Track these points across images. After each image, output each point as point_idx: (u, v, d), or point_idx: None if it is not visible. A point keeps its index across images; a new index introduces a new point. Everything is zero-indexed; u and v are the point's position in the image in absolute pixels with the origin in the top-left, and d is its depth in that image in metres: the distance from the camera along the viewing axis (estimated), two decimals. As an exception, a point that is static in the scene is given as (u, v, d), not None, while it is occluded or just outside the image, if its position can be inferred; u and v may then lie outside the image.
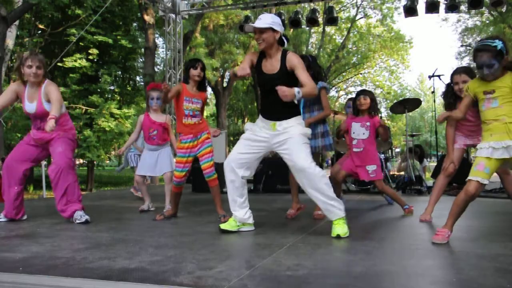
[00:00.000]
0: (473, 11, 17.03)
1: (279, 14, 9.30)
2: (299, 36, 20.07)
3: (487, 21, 19.10)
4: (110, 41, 12.85)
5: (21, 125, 12.15)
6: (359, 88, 27.82)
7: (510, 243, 2.63)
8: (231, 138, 24.94)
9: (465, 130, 3.46)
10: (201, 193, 6.30)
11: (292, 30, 16.94)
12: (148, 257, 2.28)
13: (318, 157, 4.05)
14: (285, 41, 3.01)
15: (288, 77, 2.95)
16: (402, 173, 7.25)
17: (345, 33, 23.06)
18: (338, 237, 2.81)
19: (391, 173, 7.77)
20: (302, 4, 10.11)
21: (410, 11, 8.40)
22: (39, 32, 14.16)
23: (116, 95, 15.30)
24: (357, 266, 2.08)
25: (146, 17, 11.65)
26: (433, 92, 7.96)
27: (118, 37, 13.31)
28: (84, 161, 15.70)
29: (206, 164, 3.69)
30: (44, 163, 8.99)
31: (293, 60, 2.95)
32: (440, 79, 7.17)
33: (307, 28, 17.33)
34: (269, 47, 2.97)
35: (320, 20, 9.68)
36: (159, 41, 17.58)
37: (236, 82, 19.85)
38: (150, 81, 11.43)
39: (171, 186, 3.98)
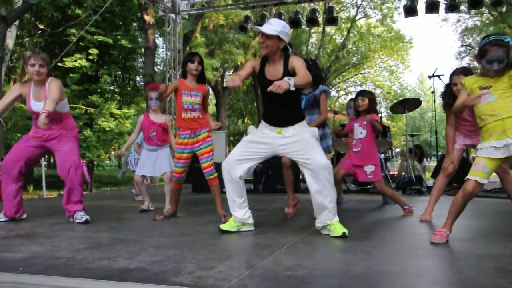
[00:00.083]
0: (473, 11, 17.03)
1: (279, 14, 9.31)
2: (299, 36, 20.07)
3: (487, 21, 19.10)
4: (110, 41, 12.85)
5: (21, 125, 12.14)
6: (359, 88, 27.85)
7: (510, 243, 2.63)
8: (231, 138, 24.97)
9: (464, 130, 3.46)
10: (201, 193, 6.30)
11: (292, 30, 16.92)
12: (148, 257, 2.28)
13: None
14: (290, 49, 3.00)
15: None
16: (403, 173, 7.25)
17: (345, 33, 23.07)
18: (344, 235, 2.80)
19: (391, 173, 7.78)
20: (302, 4, 10.12)
21: (410, 11, 8.40)
22: (39, 32, 14.16)
23: (116, 95, 15.30)
24: (357, 266, 2.08)
25: (146, 17, 11.65)
26: (433, 92, 7.97)
27: (118, 37, 13.31)
28: (84, 161, 15.68)
29: (206, 164, 3.69)
30: (44, 163, 8.99)
31: (294, 61, 2.93)
32: (440, 79, 7.18)
33: (307, 28, 17.33)
34: (272, 53, 2.95)
35: (320, 20, 9.69)
36: (159, 41, 17.60)
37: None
38: (150, 81, 11.44)
39: (171, 186, 3.98)
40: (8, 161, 3.60)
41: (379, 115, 4.62)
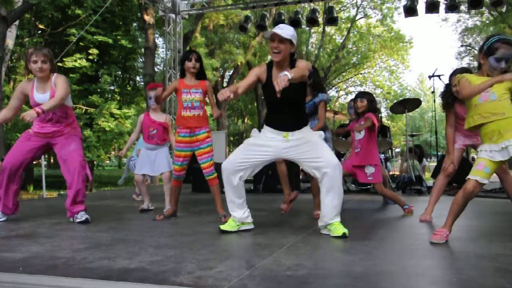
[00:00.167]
0: (473, 11, 17.02)
1: (279, 14, 9.32)
2: (299, 36, 20.06)
3: (487, 21, 19.10)
4: (110, 41, 12.84)
5: (21, 125, 12.11)
6: (359, 88, 27.89)
7: (510, 243, 2.63)
8: (231, 138, 24.97)
9: (464, 130, 3.46)
10: (201, 193, 6.30)
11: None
12: (148, 257, 2.28)
13: None
14: (295, 54, 3.00)
15: (300, 87, 2.90)
16: (404, 174, 7.25)
17: (345, 33, 23.07)
18: (344, 235, 2.80)
19: (391, 173, 7.78)
20: (302, 4, 10.11)
21: (410, 11, 8.40)
22: (39, 32, 14.15)
23: (116, 95, 15.29)
24: (357, 266, 2.08)
25: (146, 17, 11.65)
26: (433, 92, 7.97)
27: (118, 37, 13.30)
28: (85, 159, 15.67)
29: (205, 164, 3.69)
30: (44, 163, 8.98)
31: (299, 64, 2.91)
32: (440, 79, 7.19)
33: (307, 28, 17.33)
34: (284, 59, 2.91)
35: (320, 20, 9.69)
36: (159, 41, 17.60)
37: (235, 82, 19.84)
38: (150, 81, 11.43)
39: (170, 185, 3.98)
40: (14, 162, 3.58)
41: (380, 114, 4.63)
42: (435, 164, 8.26)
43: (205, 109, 3.77)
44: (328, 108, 4.68)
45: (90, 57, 12.86)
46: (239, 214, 3.09)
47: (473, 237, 2.94)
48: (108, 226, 3.38)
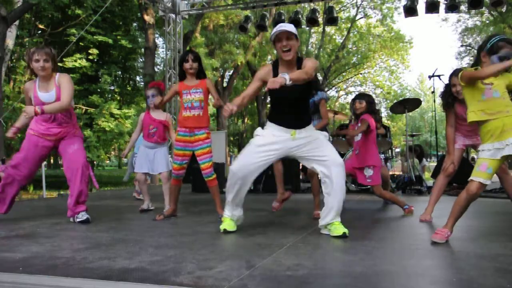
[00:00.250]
0: (473, 11, 17.03)
1: (279, 14, 9.31)
2: (299, 36, 19.95)
3: (487, 21, 19.09)
4: (110, 41, 12.84)
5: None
6: (359, 88, 27.92)
7: (510, 243, 2.63)
8: (231, 138, 24.96)
9: (464, 130, 3.46)
10: (201, 193, 6.30)
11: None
12: (148, 257, 2.28)
13: None
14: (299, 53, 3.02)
15: (305, 87, 2.89)
16: (404, 174, 7.25)
17: (345, 33, 23.06)
18: (344, 235, 2.80)
19: (391, 173, 7.78)
20: (302, 4, 10.11)
21: (410, 11, 8.40)
22: (39, 32, 14.15)
23: (116, 95, 15.29)
24: (357, 266, 2.08)
25: (146, 17, 11.64)
26: (433, 92, 7.98)
27: (118, 37, 13.30)
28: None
29: (205, 165, 3.69)
30: (44, 163, 8.97)
31: (306, 62, 2.90)
32: (440, 79, 7.19)
33: (307, 28, 17.31)
34: (294, 56, 2.89)
35: (320, 20, 9.69)
36: (159, 41, 17.59)
37: (235, 82, 19.86)
38: (150, 81, 11.40)
39: (169, 185, 3.98)
40: (30, 176, 3.63)
41: (380, 114, 4.64)
42: (435, 164, 8.26)
43: (206, 109, 3.76)
44: (328, 108, 4.69)
45: (90, 57, 12.86)
46: (237, 212, 3.12)
47: (473, 237, 2.94)
48: (108, 226, 3.38)
